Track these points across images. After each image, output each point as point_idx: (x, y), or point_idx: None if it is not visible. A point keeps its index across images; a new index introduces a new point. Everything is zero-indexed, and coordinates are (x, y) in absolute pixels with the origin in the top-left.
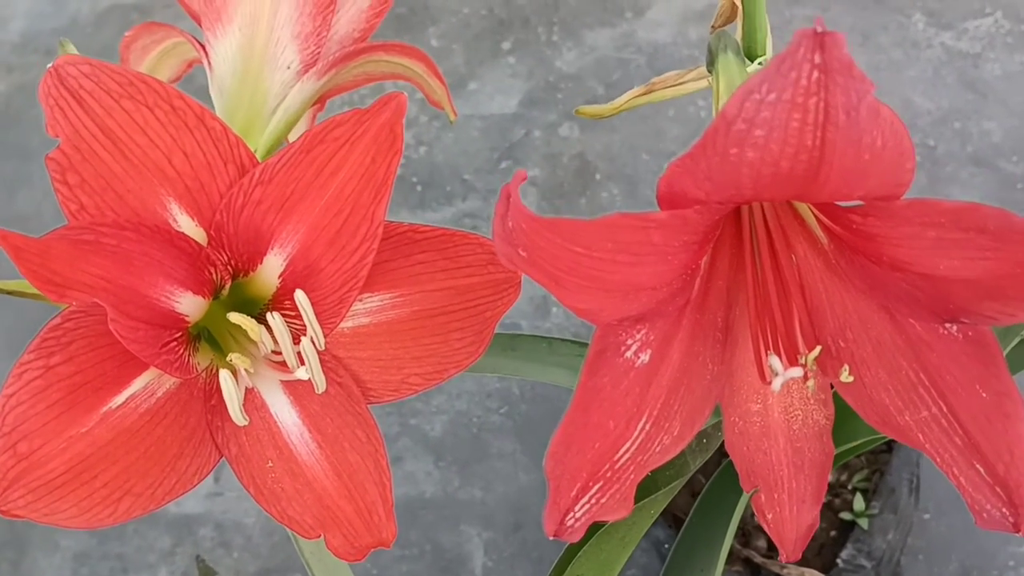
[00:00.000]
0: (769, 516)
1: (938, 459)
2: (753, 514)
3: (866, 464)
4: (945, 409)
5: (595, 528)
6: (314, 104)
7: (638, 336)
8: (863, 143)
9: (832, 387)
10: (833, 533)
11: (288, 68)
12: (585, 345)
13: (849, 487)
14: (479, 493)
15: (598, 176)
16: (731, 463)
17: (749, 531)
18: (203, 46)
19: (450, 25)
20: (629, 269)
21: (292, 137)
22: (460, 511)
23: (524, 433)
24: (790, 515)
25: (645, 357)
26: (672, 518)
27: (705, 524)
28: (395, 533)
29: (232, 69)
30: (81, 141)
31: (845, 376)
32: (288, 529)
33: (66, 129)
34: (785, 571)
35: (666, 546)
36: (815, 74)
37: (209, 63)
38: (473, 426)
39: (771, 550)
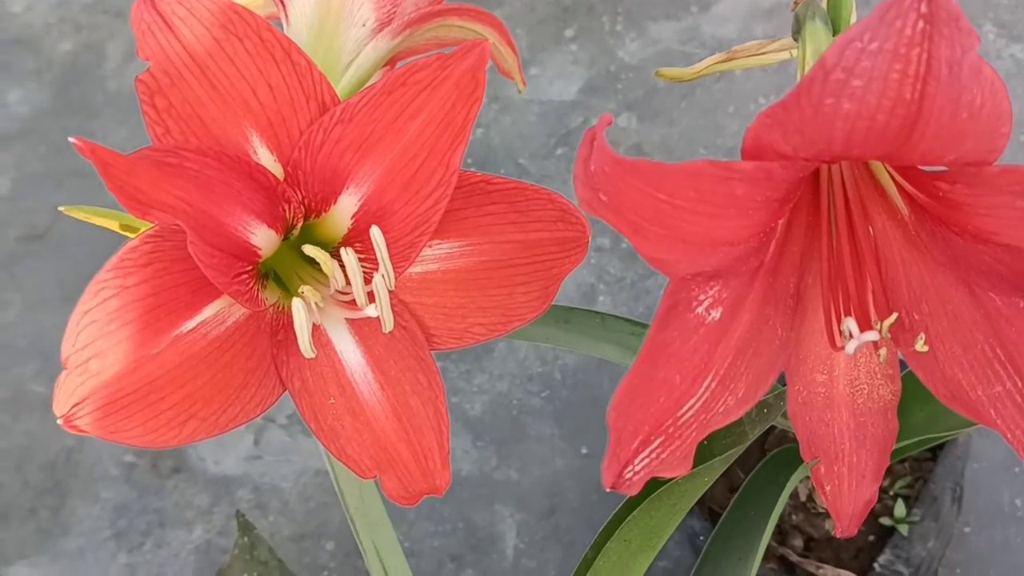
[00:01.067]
0: (828, 488)
1: (1009, 435)
2: (791, 512)
3: (909, 471)
4: (1020, 385)
5: (646, 493)
6: (384, 66)
7: (711, 293)
8: (962, 100)
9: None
10: (871, 538)
11: (363, 25)
12: (638, 324)
13: (891, 492)
14: (515, 474)
15: None
16: (774, 457)
17: (786, 529)
18: (281, 1)
19: (515, 8)
20: (710, 221)
21: None
22: (495, 491)
23: (563, 418)
24: (848, 489)
25: (716, 314)
26: (708, 511)
27: (745, 514)
28: (449, 481)
29: (308, 23)
30: (171, 66)
31: (920, 346)
32: (345, 468)
33: (156, 53)
34: (821, 571)
35: (701, 538)
36: (920, 24)
37: (286, 16)
38: (513, 408)
39: (807, 549)
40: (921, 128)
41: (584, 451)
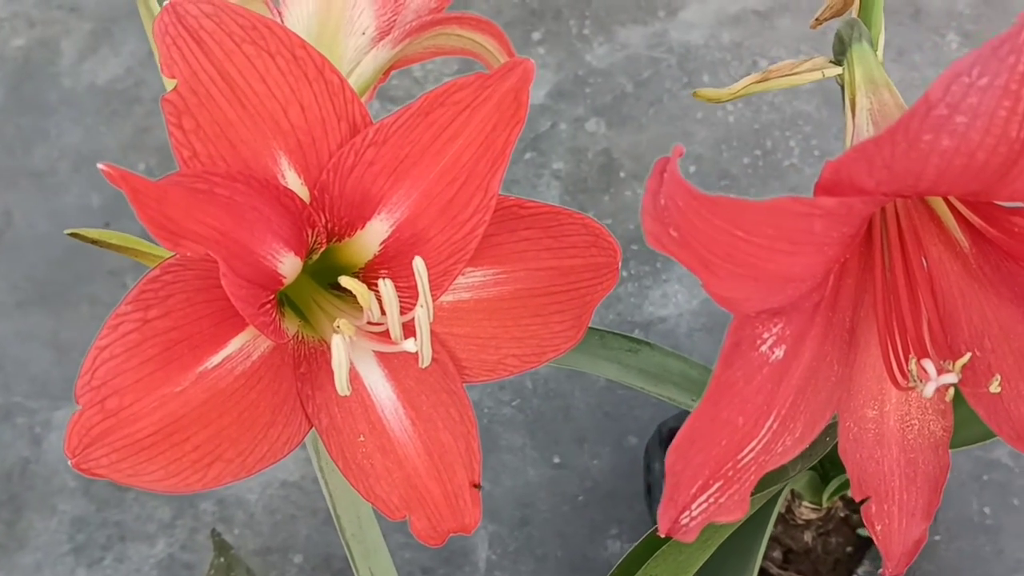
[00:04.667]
0: (878, 528)
1: None
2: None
3: None
4: None
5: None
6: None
7: (774, 330)
8: None
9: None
10: (849, 549)
11: (363, 34)
12: (635, 340)
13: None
14: (486, 485)
15: (622, 174)
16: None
17: None
18: (278, 8)
19: (482, 11)
20: (785, 258)
21: None
22: None
23: (535, 428)
24: (899, 528)
25: (779, 352)
26: None
27: (737, 532)
28: (479, 519)
29: (307, 30)
30: (199, 85)
31: (994, 387)
32: (373, 507)
33: (184, 71)
34: None
35: None
36: None
37: (283, 23)
38: (484, 417)
39: (786, 561)
40: (1021, 166)
41: (556, 460)
